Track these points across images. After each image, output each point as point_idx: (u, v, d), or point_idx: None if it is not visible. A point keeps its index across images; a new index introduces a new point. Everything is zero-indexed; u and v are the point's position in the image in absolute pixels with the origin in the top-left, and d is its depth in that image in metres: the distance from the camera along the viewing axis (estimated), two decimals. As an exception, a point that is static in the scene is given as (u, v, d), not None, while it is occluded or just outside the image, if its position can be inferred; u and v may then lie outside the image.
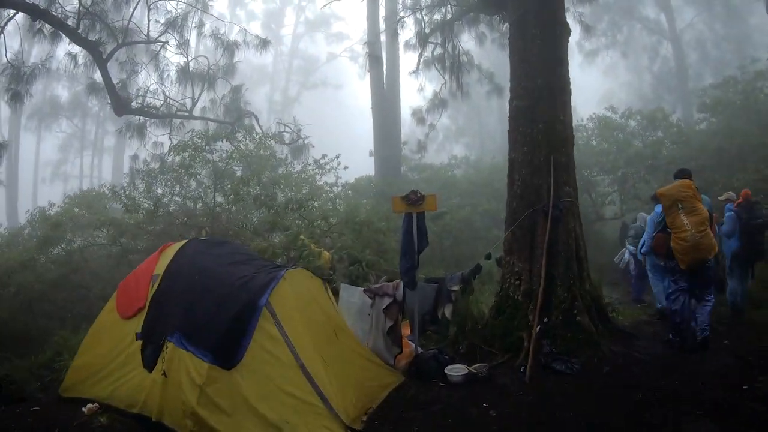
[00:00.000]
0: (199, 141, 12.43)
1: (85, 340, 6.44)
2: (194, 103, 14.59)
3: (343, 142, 34.62)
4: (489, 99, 23.28)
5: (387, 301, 6.51)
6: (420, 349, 6.99)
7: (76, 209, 15.90)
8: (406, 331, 7.69)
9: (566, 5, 8.31)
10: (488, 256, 7.99)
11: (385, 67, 20.93)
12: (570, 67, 7.86)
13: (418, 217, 6.70)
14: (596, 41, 30.69)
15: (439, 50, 16.93)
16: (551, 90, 7.47)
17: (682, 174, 7.24)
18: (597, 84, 38.75)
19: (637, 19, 32.77)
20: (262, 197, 9.99)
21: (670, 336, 7.00)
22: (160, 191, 13.58)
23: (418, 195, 6.65)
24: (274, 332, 5.16)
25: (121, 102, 13.10)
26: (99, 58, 12.76)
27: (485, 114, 35.65)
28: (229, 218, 12.06)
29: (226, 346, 5.04)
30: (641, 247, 8.72)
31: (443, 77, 18.01)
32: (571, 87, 7.83)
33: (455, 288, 7.64)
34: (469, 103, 34.72)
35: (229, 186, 11.40)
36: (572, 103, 7.86)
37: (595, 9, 29.98)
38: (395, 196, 6.80)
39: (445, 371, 6.23)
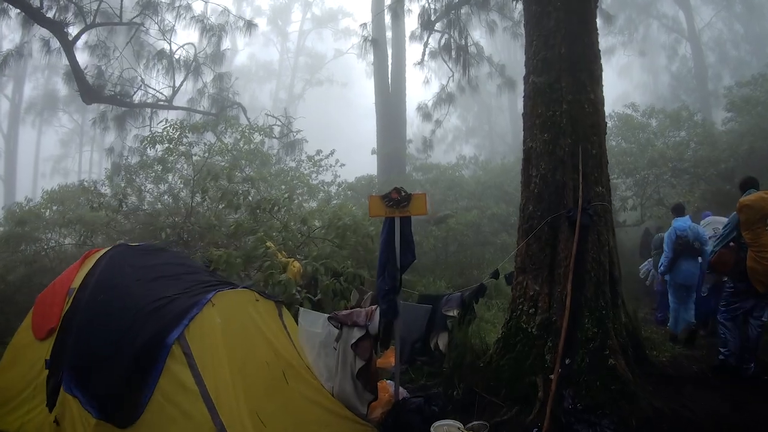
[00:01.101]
0: (174, 132, 10.72)
1: (3, 360, 5.12)
2: (175, 92, 12.94)
3: (349, 141, 33.11)
4: (500, 95, 21.53)
5: (357, 334, 4.74)
6: (404, 391, 5.23)
7: (55, 206, 14.34)
8: (389, 360, 5.92)
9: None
10: (495, 275, 6.15)
11: (390, 60, 19.18)
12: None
13: (403, 222, 4.92)
14: (612, 39, 28.82)
15: (446, 39, 15.21)
16: (577, 61, 5.64)
17: (751, 183, 5.88)
18: (611, 86, 36.51)
19: (654, 17, 30.76)
20: (230, 195, 8.30)
21: (720, 356, 5.93)
22: (130, 188, 11.95)
23: (402, 194, 4.87)
24: (186, 380, 3.65)
25: (89, 89, 11.51)
26: (65, 41, 11.19)
27: (496, 114, 33.89)
28: (209, 218, 10.39)
29: (119, 396, 3.66)
30: (660, 267, 7.77)
31: (450, 69, 16.27)
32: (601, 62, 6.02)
33: (452, 313, 5.83)
34: (480, 103, 33.03)
35: (208, 182, 9.67)
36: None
37: (612, 5, 28.34)
38: (372, 196, 5.03)
39: (432, 430, 4.46)
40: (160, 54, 12.56)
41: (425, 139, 17.69)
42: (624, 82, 36.96)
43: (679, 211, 7.94)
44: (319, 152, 14.42)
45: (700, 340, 7.43)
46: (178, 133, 10.75)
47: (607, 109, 18.78)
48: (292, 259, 6.93)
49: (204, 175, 9.68)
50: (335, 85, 37.74)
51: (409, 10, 16.96)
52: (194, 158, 11.70)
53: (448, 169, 19.22)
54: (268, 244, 6.85)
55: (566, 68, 5.63)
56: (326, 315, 4.94)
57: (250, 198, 8.58)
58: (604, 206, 5.35)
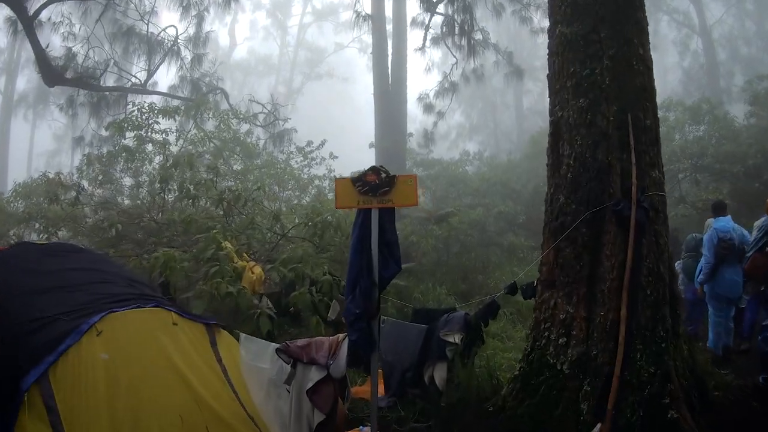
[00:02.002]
0: (142, 117, 9.28)
1: None
2: (150, 75, 11.48)
3: (349, 138, 31.65)
4: (507, 88, 20.13)
5: (315, 376, 3.24)
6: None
7: (33, 200, 12.91)
8: (366, 389, 4.43)
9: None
10: (511, 289, 4.57)
11: (390, 49, 17.62)
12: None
13: (383, 217, 3.42)
14: None
15: (449, 21, 13.72)
16: (618, 8, 4.10)
17: None
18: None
19: (665, 12, 29.08)
20: (188, 186, 6.82)
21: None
22: (104, 179, 10.52)
23: (383, 176, 3.38)
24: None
25: (51, 70, 10.06)
26: (24, 16, 9.73)
27: (501, 111, 32.35)
28: (172, 213, 8.93)
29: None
30: (698, 274, 6.42)
31: (454, 55, 14.80)
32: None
33: (453, 339, 4.31)
34: (484, 99, 31.51)
35: (168, 170, 8.19)
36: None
37: None
38: (339, 179, 3.54)
39: None
40: (129, 32, 11.04)
41: (427, 132, 16.19)
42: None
43: (720, 209, 6.47)
44: (309, 143, 12.91)
45: (744, 359, 6.07)
46: (146, 116, 9.28)
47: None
48: (252, 264, 5.43)
49: (164, 163, 8.27)
50: (336, 80, 36.07)
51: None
52: (172, 148, 10.22)
53: (450, 164, 17.66)
54: (225, 244, 5.36)
55: (605, 16, 4.10)
56: (274, 345, 3.44)
57: (214, 189, 7.10)
58: (661, 197, 3.81)
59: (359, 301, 3.20)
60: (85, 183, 11.65)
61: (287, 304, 5.43)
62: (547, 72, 4.43)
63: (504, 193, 15.04)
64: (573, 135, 3.87)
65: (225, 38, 37.60)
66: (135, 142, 9.79)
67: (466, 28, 12.27)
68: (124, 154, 9.77)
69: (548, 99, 4.39)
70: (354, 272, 3.29)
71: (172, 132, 10.57)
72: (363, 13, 12.92)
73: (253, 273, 5.19)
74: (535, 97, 32.17)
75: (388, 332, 4.58)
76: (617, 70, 3.91)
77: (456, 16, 12.05)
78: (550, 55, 4.38)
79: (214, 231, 5.39)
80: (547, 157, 4.15)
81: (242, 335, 3.51)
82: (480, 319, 4.28)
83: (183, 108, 10.25)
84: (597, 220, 3.66)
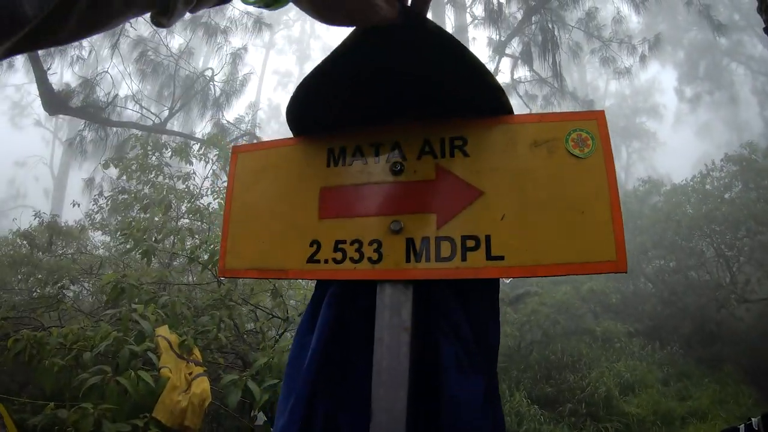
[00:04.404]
0: (142, 155, 7.08)
1: None
2: (171, 114, 9.48)
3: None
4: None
5: None
6: None
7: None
8: None
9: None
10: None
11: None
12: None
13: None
14: (698, 85, 24.43)
15: (521, 71, 11.41)
16: None
17: None
18: (687, 148, 31.58)
19: (741, 62, 25.81)
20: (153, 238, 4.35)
21: None
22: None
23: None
24: None
25: (53, 95, 8.23)
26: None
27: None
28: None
29: None
30: None
31: (526, 105, 12.36)
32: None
33: None
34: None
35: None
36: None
37: (691, 52, 24.24)
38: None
39: None
40: (142, 55, 9.09)
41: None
42: (704, 143, 31.41)
43: None
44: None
45: None
46: (145, 154, 7.07)
47: (685, 172, 14.19)
48: (197, 373, 2.61)
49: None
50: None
51: (474, 38, 13.42)
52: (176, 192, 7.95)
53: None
54: (160, 331, 2.69)
55: None
56: None
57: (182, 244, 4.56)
58: None
59: None
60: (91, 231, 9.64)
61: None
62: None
63: (592, 267, 12.02)
64: None
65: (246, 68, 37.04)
66: (150, 188, 7.57)
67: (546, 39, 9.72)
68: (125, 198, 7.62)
69: None
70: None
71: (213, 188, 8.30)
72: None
73: (187, 392, 2.41)
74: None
75: None
76: None
77: (535, 37, 9.57)
78: None
79: (137, 305, 2.72)
80: None
81: None
82: None
83: (192, 145, 7.93)
84: None
